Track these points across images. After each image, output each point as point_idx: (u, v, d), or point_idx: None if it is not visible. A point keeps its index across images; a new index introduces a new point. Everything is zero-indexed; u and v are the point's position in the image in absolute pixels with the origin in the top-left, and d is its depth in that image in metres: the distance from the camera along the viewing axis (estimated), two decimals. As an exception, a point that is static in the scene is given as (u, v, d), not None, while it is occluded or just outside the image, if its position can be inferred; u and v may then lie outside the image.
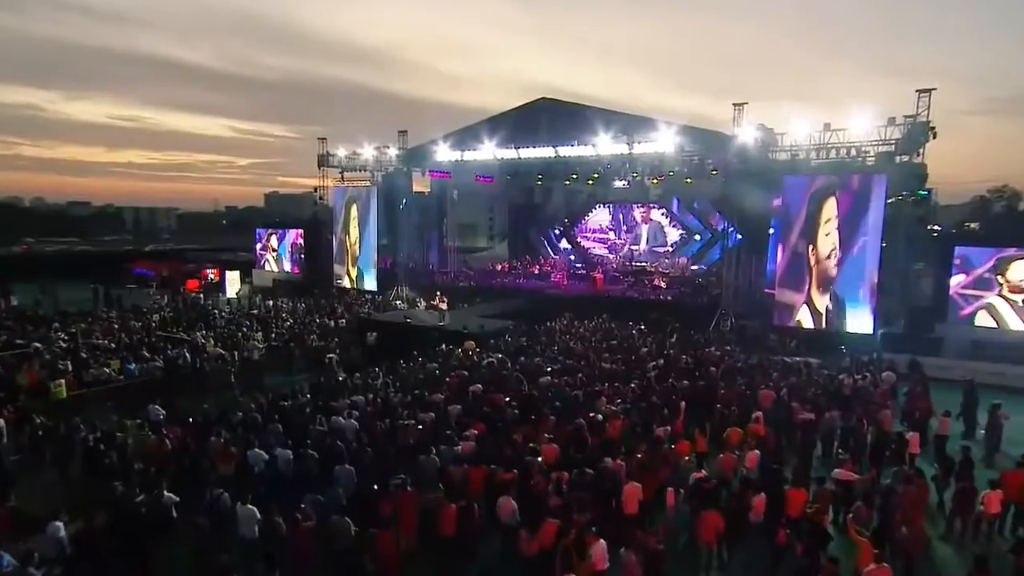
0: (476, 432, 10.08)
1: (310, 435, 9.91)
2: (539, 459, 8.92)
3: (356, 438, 9.74)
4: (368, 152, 31.57)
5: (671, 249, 33.65)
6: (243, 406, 11.80)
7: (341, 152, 32.50)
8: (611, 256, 35.25)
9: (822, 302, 19.68)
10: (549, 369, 14.43)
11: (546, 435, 9.92)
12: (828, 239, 19.40)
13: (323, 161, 33.13)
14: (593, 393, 12.21)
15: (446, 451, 9.15)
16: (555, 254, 36.83)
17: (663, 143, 23.67)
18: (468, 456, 9.15)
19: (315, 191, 33.78)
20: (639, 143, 24.39)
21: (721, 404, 11.88)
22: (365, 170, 32.86)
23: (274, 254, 36.55)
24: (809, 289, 19.84)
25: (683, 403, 11.68)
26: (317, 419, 10.69)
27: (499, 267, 34.88)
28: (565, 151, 26.42)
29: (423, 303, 26.52)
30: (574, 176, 30.82)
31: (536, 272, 33.02)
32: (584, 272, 32.33)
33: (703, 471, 8.87)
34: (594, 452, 9.34)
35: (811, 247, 19.75)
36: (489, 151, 27.92)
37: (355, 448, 9.33)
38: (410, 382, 13.72)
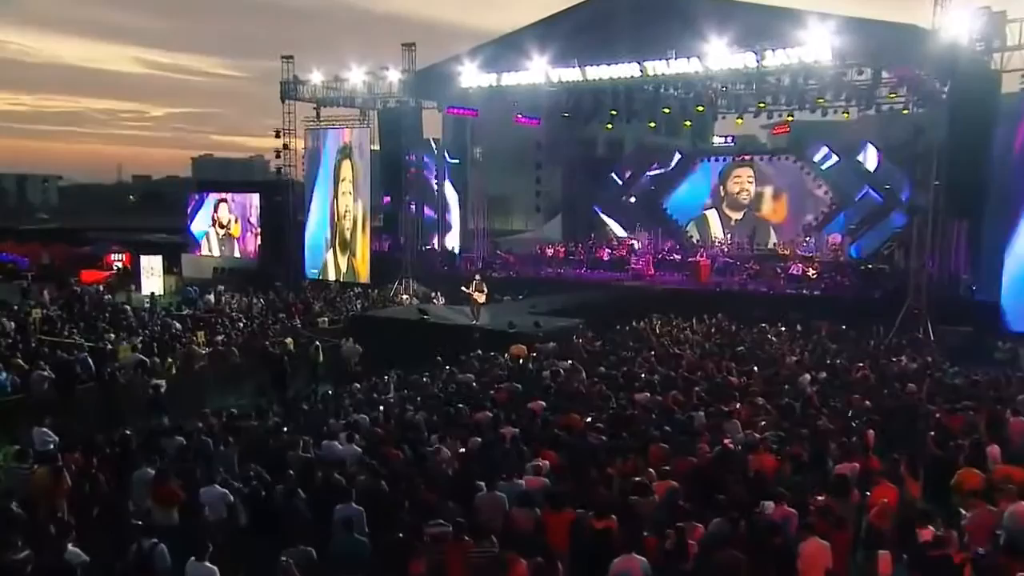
0: (546, 463, 10.33)
1: (291, 465, 10.14)
2: (654, 498, 9.02)
3: (367, 470, 9.95)
4: (358, 76, 31.83)
5: (816, 222, 33.13)
6: (186, 428, 12.14)
7: (316, 78, 32.89)
8: (720, 235, 35.33)
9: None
10: (644, 377, 15.31)
11: (657, 469, 10.11)
12: None
13: (289, 91, 33.55)
14: (719, 414, 12.66)
15: (505, 487, 9.22)
16: (634, 233, 36.69)
17: (813, 48, 23.21)
18: (537, 494, 9.24)
19: (276, 135, 34.18)
20: (773, 50, 24.00)
21: (936, 434, 11.86)
22: (353, 104, 33.36)
23: (221, 230, 37.69)
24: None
25: (871, 431, 11.82)
26: (300, 444, 10.98)
27: (549, 252, 35.19)
28: (656, 67, 26.27)
29: (440, 299, 27.74)
30: (666, 110, 30.40)
31: (606, 258, 33.46)
32: (679, 258, 32.59)
33: (929, 527, 8.45)
34: (738, 495, 9.30)
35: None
36: (539, 71, 28.00)
37: (363, 482, 9.46)
38: (437, 397, 14.41)
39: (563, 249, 35.56)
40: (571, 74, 27.63)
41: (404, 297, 29.66)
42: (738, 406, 13.27)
